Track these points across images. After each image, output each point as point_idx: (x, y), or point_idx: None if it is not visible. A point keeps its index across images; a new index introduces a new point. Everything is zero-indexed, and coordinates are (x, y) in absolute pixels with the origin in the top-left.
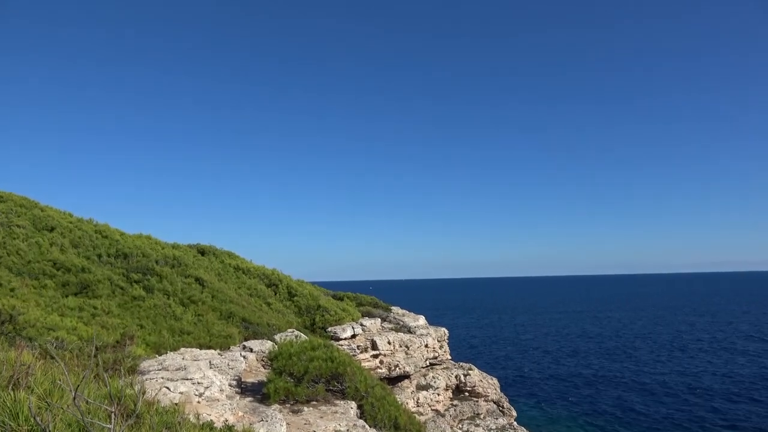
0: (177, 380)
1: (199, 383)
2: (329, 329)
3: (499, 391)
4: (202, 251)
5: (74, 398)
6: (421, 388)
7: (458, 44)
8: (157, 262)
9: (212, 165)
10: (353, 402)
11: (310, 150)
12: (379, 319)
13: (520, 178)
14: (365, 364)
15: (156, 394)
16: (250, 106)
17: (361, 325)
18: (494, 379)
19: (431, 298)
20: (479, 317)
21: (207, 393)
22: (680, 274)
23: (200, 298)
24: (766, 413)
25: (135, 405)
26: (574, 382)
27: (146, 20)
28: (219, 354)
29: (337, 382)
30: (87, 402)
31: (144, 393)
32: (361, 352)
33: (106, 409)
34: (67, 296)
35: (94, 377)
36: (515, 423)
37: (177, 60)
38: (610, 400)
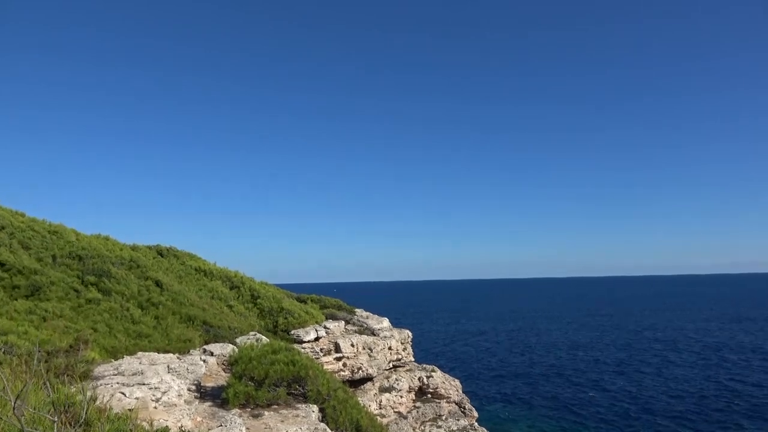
0: (133, 385)
1: (156, 388)
2: (292, 332)
3: (461, 392)
4: (161, 252)
5: (14, 407)
6: (384, 390)
7: (437, 42)
8: (113, 263)
9: (175, 165)
10: (315, 405)
11: (274, 149)
12: (343, 322)
13: (489, 179)
14: (328, 367)
15: (109, 400)
16: (213, 103)
17: (325, 327)
18: (456, 380)
19: (397, 300)
20: (445, 319)
21: (164, 398)
22: (637, 276)
23: (159, 300)
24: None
25: (84, 412)
26: (535, 382)
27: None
28: (178, 358)
29: (299, 386)
30: (31, 410)
31: (95, 399)
32: (324, 355)
33: (50, 418)
34: (16, 299)
35: (43, 384)
36: (476, 424)
37: (126, 55)
38: (569, 398)
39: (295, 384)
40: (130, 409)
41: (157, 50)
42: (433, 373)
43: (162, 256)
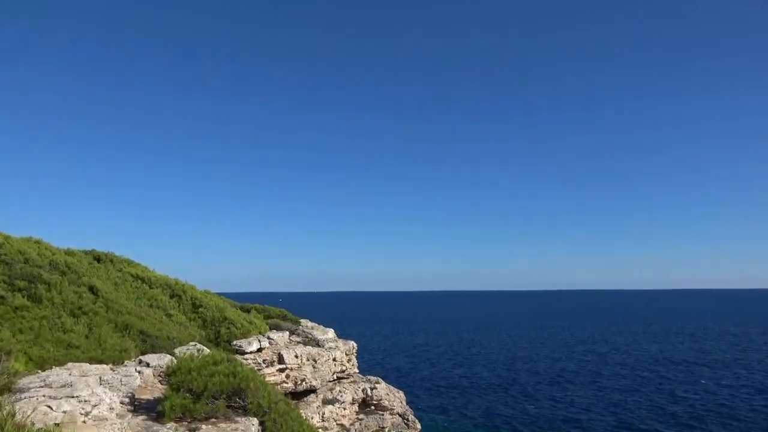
0: (61, 398)
1: (86, 401)
2: (234, 343)
3: (404, 404)
4: (98, 258)
5: None
6: (327, 402)
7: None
8: (41, 267)
9: (118, 169)
10: (255, 418)
11: (220, 153)
12: (288, 332)
13: (433, 192)
14: (271, 379)
15: (31, 415)
16: (153, 105)
17: (269, 338)
18: (401, 392)
19: (344, 310)
20: (391, 330)
21: (94, 412)
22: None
23: (93, 308)
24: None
25: (2, 429)
26: (475, 394)
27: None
28: (112, 369)
29: (239, 398)
30: None
31: (13, 415)
32: (267, 366)
33: None
34: None
35: None
36: None
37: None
38: (507, 410)
39: (235, 396)
40: (56, 424)
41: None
42: (377, 385)
43: (99, 262)
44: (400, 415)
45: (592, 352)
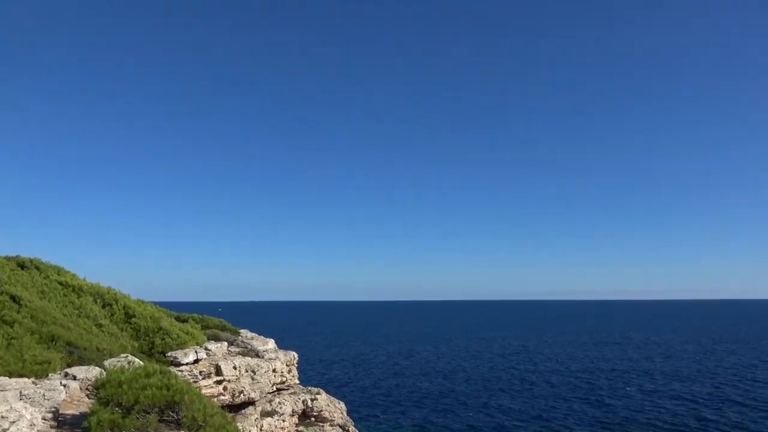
0: None
1: (3, 417)
2: (170, 354)
3: (345, 415)
4: (22, 264)
5: None
6: (266, 414)
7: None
8: None
9: (49, 171)
10: None
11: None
12: (226, 343)
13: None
14: (208, 391)
15: None
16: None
17: (206, 349)
18: (341, 403)
19: (287, 320)
20: (334, 340)
21: (13, 429)
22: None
23: (15, 318)
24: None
25: None
26: (418, 403)
27: None
28: (34, 383)
29: (173, 412)
30: None
31: None
32: (204, 378)
33: None
34: None
35: None
36: None
37: None
38: (448, 418)
39: (168, 410)
40: None
41: None
42: (318, 396)
43: (23, 269)
44: (340, 426)
45: (527, 360)
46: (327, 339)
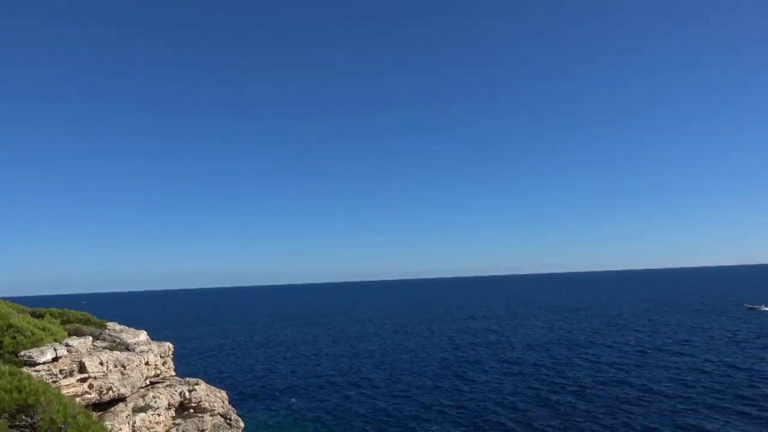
0: None
1: None
2: (23, 353)
3: (227, 403)
4: None
5: None
6: (138, 410)
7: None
8: None
9: None
10: None
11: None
12: (91, 338)
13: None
14: (70, 390)
15: None
16: None
17: (67, 345)
18: (223, 392)
19: (163, 310)
20: (216, 329)
21: None
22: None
23: None
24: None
25: None
26: (304, 388)
27: None
28: None
29: (27, 416)
30: None
31: None
32: (66, 377)
33: None
34: None
35: None
36: None
37: None
38: (332, 401)
39: (21, 414)
40: None
41: None
42: (196, 387)
43: None
44: (222, 416)
45: (418, 335)
46: (209, 329)
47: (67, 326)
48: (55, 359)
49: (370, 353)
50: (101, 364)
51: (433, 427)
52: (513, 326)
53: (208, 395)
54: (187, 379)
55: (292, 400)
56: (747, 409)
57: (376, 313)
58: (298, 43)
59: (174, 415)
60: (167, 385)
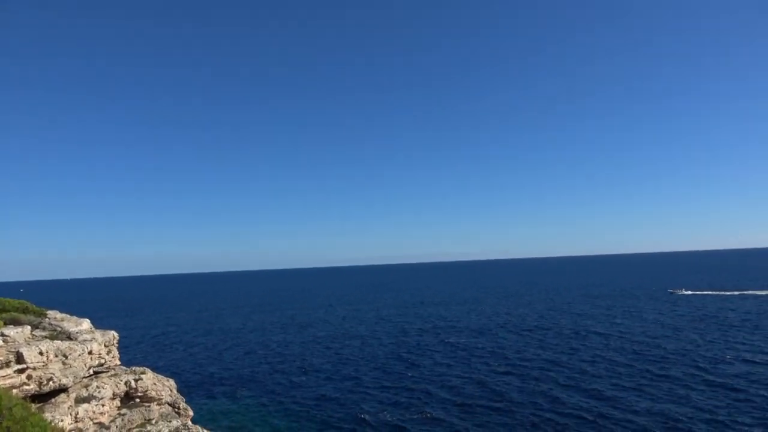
0: None
1: None
2: None
3: (175, 392)
4: None
5: None
6: (81, 400)
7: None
8: None
9: None
10: None
11: None
12: (29, 327)
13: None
14: (6, 382)
15: None
16: None
17: (2, 335)
18: (170, 380)
19: (108, 298)
20: (165, 317)
21: None
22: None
23: None
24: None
25: None
26: (253, 374)
27: None
28: None
29: None
30: None
31: None
32: (1, 368)
33: None
34: None
35: None
36: (190, 423)
37: None
38: (284, 389)
39: None
40: None
41: None
42: (143, 376)
43: None
44: (170, 405)
45: (356, 325)
46: (158, 315)
47: (3, 315)
48: None
49: (318, 340)
50: (41, 353)
51: (377, 412)
52: (461, 311)
53: (155, 384)
54: (133, 368)
55: (241, 387)
56: (656, 382)
57: (329, 300)
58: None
59: (119, 405)
60: (112, 375)
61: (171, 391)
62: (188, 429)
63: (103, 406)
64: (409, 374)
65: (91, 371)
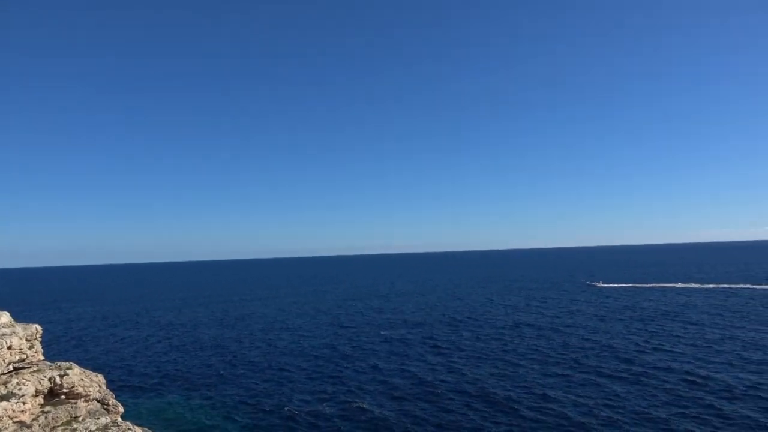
0: None
1: None
2: None
3: (104, 388)
4: None
5: None
6: (0, 398)
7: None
8: None
9: None
10: None
11: None
12: None
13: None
14: None
15: None
16: None
17: None
18: (99, 375)
19: (39, 289)
20: (98, 308)
21: None
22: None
23: None
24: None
25: None
26: (176, 367)
27: None
28: None
29: None
30: None
31: None
32: None
33: None
34: None
35: None
36: (120, 420)
37: None
38: (213, 382)
39: None
40: None
41: None
42: (69, 371)
43: None
44: (98, 401)
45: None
46: (87, 308)
47: None
48: None
49: (253, 333)
50: None
51: (306, 404)
52: (399, 303)
53: (82, 380)
54: (59, 363)
55: (172, 382)
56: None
57: (271, 292)
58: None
59: (43, 402)
60: (34, 371)
61: (100, 386)
62: (118, 426)
63: (24, 404)
64: (343, 366)
65: (11, 367)
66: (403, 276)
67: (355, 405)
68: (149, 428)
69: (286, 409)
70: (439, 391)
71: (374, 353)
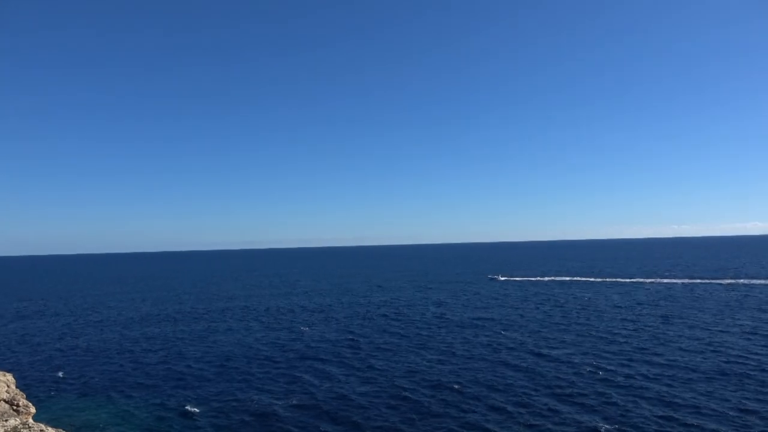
0: None
1: None
2: None
3: (13, 387)
4: None
5: None
6: None
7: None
8: None
9: None
10: None
11: None
12: None
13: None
14: None
15: None
16: None
17: None
18: (8, 375)
19: None
20: (7, 303)
21: None
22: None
23: None
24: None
25: None
26: (95, 362)
27: None
28: None
29: None
30: None
31: None
32: None
33: None
34: None
35: None
36: (31, 421)
37: None
38: (140, 380)
39: None
40: None
41: None
42: None
43: None
44: (7, 402)
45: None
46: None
47: None
48: None
49: (185, 331)
50: None
51: (237, 401)
52: (325, 300)
53: None
54: None
55: (91, 382)
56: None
57: (201, 287)
58: None
59: None
60: None
61: (8, 386)
62: (29, 427)
63: None
64: (277, 360)
65: None
66: (324, 271)
67: (253, 402)
68: (64, 429)
69: (212, 406)
70: (348, 389)
71: (297, 350)
